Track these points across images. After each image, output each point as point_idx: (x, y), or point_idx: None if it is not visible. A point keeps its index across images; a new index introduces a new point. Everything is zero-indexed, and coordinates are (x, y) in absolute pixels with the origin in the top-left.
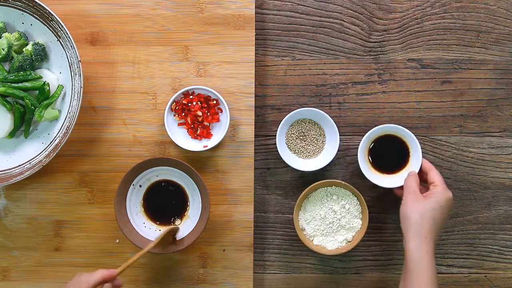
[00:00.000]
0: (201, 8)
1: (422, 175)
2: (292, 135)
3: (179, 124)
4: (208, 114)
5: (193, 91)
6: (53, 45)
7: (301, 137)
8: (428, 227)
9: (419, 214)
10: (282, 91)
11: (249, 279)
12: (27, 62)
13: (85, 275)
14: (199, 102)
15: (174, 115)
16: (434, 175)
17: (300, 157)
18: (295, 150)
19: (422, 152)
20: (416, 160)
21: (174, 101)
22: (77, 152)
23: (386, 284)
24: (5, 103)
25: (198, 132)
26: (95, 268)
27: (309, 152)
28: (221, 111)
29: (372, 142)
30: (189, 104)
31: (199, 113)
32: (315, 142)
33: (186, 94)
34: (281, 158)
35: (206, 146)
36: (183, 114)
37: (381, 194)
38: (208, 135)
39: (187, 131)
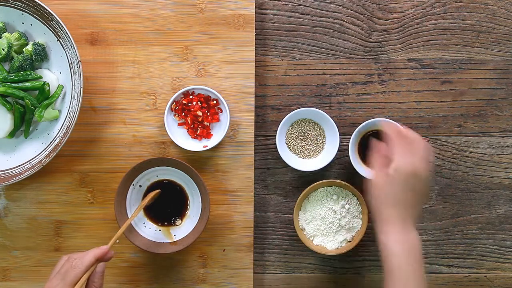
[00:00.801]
0: (201, 8)
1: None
2: (292, 135)
3: (179, 124)
4: (208, 114)
5: (193, 91)
6: (53, 45)
7: (301, 137)
8: (390, 211)
9: (380, 199)
10: (282, 91)
11: (249, 279)
12: (27, 62)
13: (76, 257)
14: (199, 102)
15: (174, 115)
16: (394, 147)
17: (300, 157)
18: (295, 150)
19: None
20: None
21: (174, 101)
22: (77, 152)
23: None
24: (5, 103)
25: (198, 132)
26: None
27: (309, 152)
28: (221, 111)
29: (362, 137)
30: (189, 104)
31: (199, 113)
32: (315, 142)
33: (186, 94)
34: (281, 158)
35: (206, 146)
36: (183, 114)
37: None
38: (208, 135)
39: (187, 131)
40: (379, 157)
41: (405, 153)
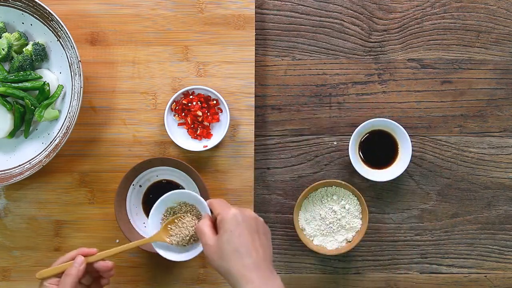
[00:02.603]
0: (201, 8)
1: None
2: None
3: (179, 124)
4: (208, 114)
5: (193, 91)
6: (53, 45)
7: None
8: (237, 266)
9: (219, 259)
10: (282, 91)
11: None
12: (27, 62)
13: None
14: (199, 102)
15: (174, 115)
16: (212, 206)
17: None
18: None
19: (423, 152)
20: (405, 152)
21: (174, 101)
22: (77, 152)
23: (386, 284)
24: (5, 103)
25: (198, 132)
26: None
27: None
28: (221, 111)
29: (362, 137)
30: (189, 104)
31: (199, 113)
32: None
33: (186, 94)
34: (282, 158)
35: (206, 146)
36: (183, 114)
37: (381, 194)
38: (208, 135)
39: (187, 131)
40: (206, 221)
41: (225, 205)
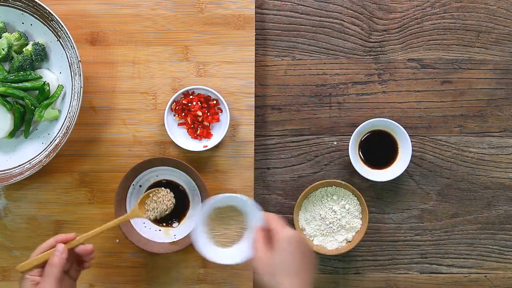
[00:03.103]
0: (201, 8)
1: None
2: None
3: (179, 124)
4: (208, 114)
5: (193, 91)
6: (53, 45)
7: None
8: (286, 279)
9: (269, 274)
10: (282, 91)
11: (249, 279)
12: (27, 62)
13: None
14: (199, 102)
15: (174, 115)
16: (271, 222)
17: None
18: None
19: (423, 152)
20: (405, 152)
21: (174, 101)
22: (77, 152)
23: (386, 284)
24: (5, 103)
25: (198, 132)
26: (95, 269)
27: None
28: (221, 111)
29: (362, 137)
30: (189, 104)
31: (199, 113)
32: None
33: (186, 94)
34: (282, 158)
35: (206, 146)
36: (183, 114)
37: (381, 194)
38: (208, 135)
39: (187, 131)
40: (259, 234)
41: (281, 223)
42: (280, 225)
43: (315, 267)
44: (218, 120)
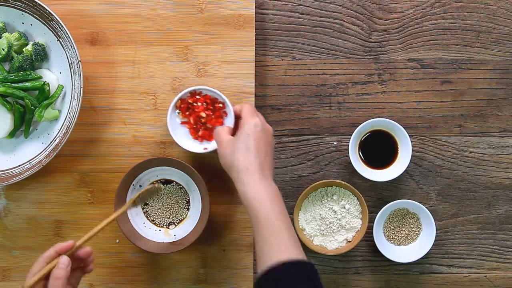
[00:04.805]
0: (201, 8)
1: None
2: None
3: (182, 123)
4: (213, 116)
5: (200, 91)
6: (53, 45)
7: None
8: (242, 161)
9: (230, 154)
10: (282, 91)
11: (249, 279)
12: (27, 62)
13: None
14: (204, 103)
15: (178, 113)
16: (242, 111)
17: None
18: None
19: (423, 152)
20: (405, 152)
21: (180, 98)
22: (77, 152)
23: (386, 284)
24: (5, 103)
25: (200, 133)
26: (95, 269)
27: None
28: (226, 115)
29: (362, 137)
30: (194, 104)
31: (203, 114)
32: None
33: (193, 94)
34: (282, 158)
35: (206, 148)
36: (187, 113)
37: (381, 194)
38: (210, 138)
39: (189, 131)
40: (224, 129)
41: (252, 113)
42: (250, 114)
43: (273, 156)
44: (222, 123)
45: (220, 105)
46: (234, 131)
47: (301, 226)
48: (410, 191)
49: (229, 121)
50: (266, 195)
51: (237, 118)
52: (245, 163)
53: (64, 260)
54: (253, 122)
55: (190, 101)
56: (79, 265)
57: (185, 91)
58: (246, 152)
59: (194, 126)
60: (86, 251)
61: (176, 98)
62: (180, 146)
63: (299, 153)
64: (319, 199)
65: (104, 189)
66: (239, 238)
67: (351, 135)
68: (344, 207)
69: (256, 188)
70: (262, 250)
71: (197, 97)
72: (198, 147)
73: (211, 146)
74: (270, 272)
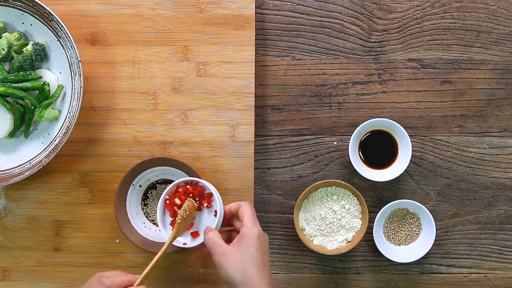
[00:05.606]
0: (201, 8)
1: (229, 219)
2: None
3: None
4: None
5: (197, 182)
6: (53, 45)
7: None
8: (256, 279)
9: (241, 271)
10: (282, 91)
11: None
12: (27, 62)
13: (107, 276)
14: (190, 194)
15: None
16: (243, 211)
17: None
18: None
19: (423, 152)
20: (405, 152)
21: (167, 196)
22: (77, 152)
23: (386, 284)
24: (5, 103)
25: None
26: (95, 269)
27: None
28: (210, 207)
29: (362, 137)
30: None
31: (177, 201)
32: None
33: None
34: (282, 158)
35: (186, 243)
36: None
37: (381, 194)
38: (195, 234)
39: (170, 222)
40: (218, 236)
41: (254, 220)
42: (253, 221)
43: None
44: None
45: (206, 198)
46: (221, 231)
47: (301, 226)
48: (410, 191)
49: (211, 219)
50: None
51: (230, 216)
52: (256, 279)
53: None
54: (256, 232)
55: (178, 201)
56: None
57: (169, 187)
58: (256, 268)
59: (173, 218)
60: None
61: (162, 198)
62: (180, 146)
63: (299, 153)
64: (319, 199)
65: (104, 189)
66: None
67: (351, 135)
68: (344, 207)
69: None
70: None
71: (188, 186)
72: (177, 240)
73: (190, 242)
74: None
